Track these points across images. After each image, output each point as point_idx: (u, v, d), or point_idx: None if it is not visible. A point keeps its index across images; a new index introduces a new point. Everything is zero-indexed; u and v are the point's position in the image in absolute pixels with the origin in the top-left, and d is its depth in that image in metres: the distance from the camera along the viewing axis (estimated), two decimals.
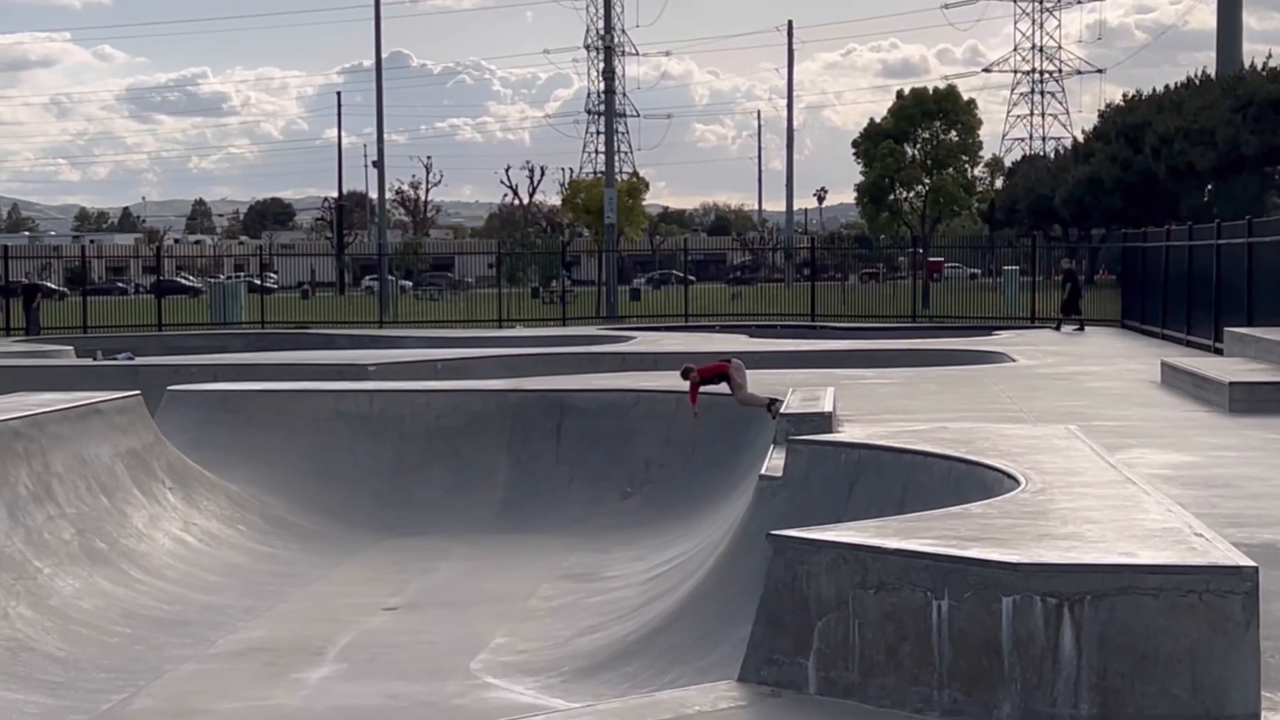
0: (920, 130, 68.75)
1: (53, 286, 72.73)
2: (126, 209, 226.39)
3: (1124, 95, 75.67)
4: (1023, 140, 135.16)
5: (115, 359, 30.63)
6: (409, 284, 78.48)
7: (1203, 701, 5.63)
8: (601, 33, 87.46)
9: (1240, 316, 25.68)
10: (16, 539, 12.76)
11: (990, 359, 26.71)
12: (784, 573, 6.54)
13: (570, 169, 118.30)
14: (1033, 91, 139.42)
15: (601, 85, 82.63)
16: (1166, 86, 69.69)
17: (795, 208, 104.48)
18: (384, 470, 18.51)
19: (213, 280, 65.54)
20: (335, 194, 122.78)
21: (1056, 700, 5.71)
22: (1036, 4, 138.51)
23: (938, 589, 5.99)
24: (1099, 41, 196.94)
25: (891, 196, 68.91)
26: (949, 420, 14.71)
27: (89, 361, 30.44)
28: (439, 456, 18.72)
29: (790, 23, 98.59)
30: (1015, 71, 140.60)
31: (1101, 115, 77.99)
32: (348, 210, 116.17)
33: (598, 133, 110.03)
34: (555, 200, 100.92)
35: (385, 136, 63.79)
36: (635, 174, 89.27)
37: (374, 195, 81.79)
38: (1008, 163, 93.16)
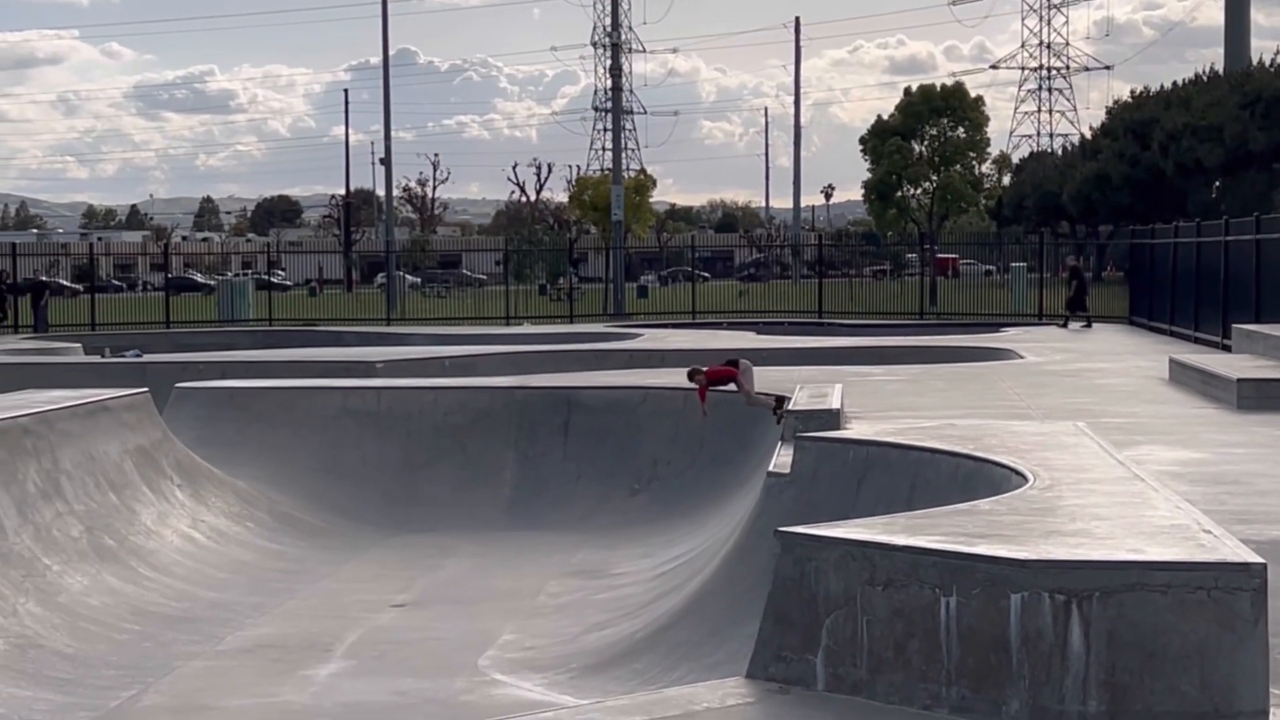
0: (928, 127, 68.53)
1: (64, 283, 72.72)
2: (134, 206, 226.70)
3: (1132, 92, 75.63)
4: (1030, 137, 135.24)
5: (123, 356, 30.66)
6: (419, 280, 78.53)
7: (1211, 698, 5.63)
8: (609, 29, 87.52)
9: (1248, 313, 25.65)
10: (25, 536, 12.78)
11: (998, 356, 26.70)
12: (792, 569, 6.54)
13: (577, 166, 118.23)
14: (1040, 88, 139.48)
15: (608, 82, 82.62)
16: (1174, 83, 69.66)
17: (802, 204, 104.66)
18: (391, 467, 18.52)
19: (220, 277, 65.59)
20: (343, 191, 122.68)
21: (1065, 697, 5.70)
22: (1044, 0, 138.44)
23: (946, 586, 5.98)
24: (1106, 38, 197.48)
25: (899, 193, 68.76)
26: (957, 417, 14.70)
27: (97, 359, 30.50)
28: (446, 453, 18.73)
29: (798, 19, 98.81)
30: (1023, 68, 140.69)
31: (1109, 112, 77.93)
32: (355, 207, 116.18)
33: (605, 129, 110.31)
34: (562, 197, 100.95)
35: (392, 133, 64.05)
36: (642, 171, 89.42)
37: (381, 192, 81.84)
38: (1015, 160, 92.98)
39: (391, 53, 63.73)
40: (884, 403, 17.35)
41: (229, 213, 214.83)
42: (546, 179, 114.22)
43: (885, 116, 71.35)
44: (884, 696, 6.09)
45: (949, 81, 73.76)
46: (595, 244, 74.99)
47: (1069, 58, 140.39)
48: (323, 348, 33.76)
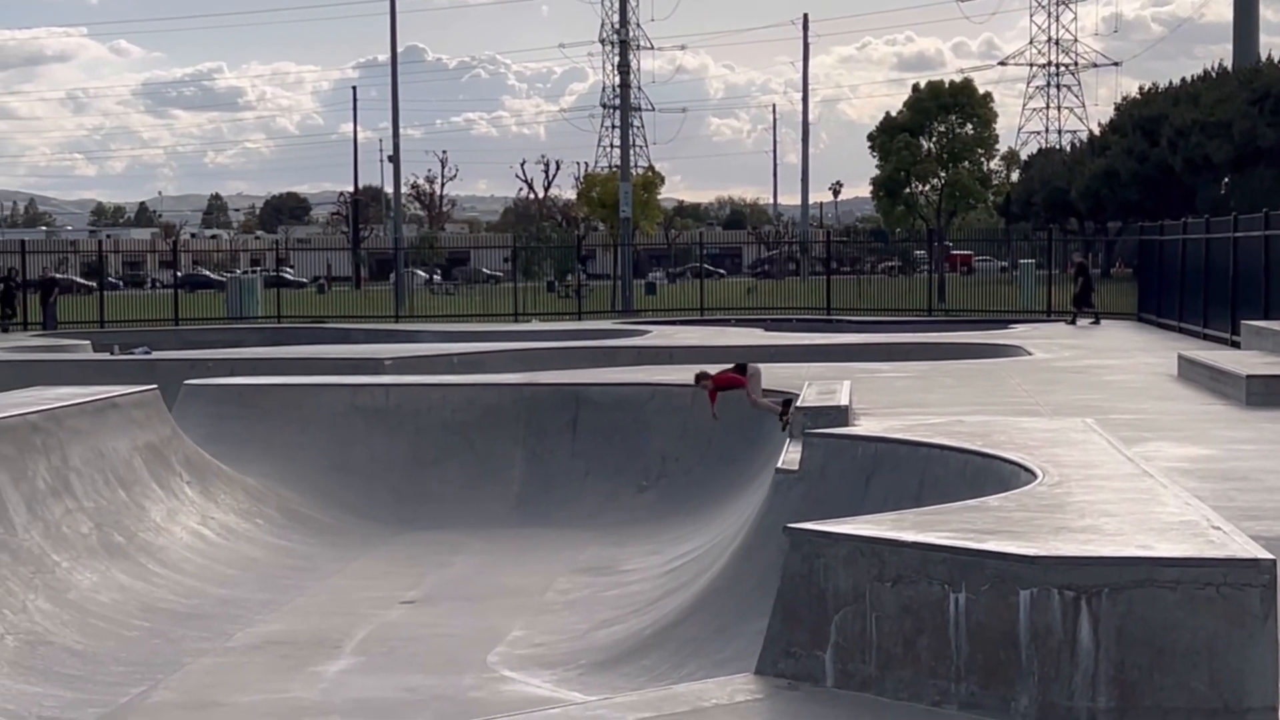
0: (936, 124, 68.52)
1: (77, 280, 72.70)
2: (143, 204, 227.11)
3: (1140, 88, 75.43)
4: (1039, 133, 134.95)
5: (132, 353, 30.70)
6: (429, 276, 78.55)
7: (1221, 694, 5.63)
8: (616, 27, 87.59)
9: (1257, 309, 25.61)
10: (35, 532, 12.81)
11: (1006, 352, 26.68)
12: (801, 566, 6.54)
13: (585, 163, 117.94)
14: (1048, 85, 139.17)
15: (616, 79, 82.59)
16: (1183, 79, 69.53)
17: (811, 201, 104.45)
18: (400, 464, 18.54)
19: (229, 274, 65.65)
20: (351, 188, 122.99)
21: (1074, 693, 5.70)
22: None
23: (955, 582, 5.99)
24: (1115, 34, 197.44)
25: (907, 190, 68.76)
26: (965, 413, 14.70)
27: (106, 356, 30.55)
28: (455, 450, 18.74)
29: (805, 16, 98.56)
30: (1031, 65, 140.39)
31: (1117, 108, 77.81)
32: (363, 205, 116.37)
33: (613, 127, 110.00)
34: (570, 194, 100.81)
35: (401, 131, 63.81)
36: (650, 168, 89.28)
37: (389, 190, 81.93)
38: (1024, 156, 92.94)
39: (400, 50, 63.74)
40: (892, 399, 17.34)
41: (237, 210, 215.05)
42: (555, 176, 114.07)
43: (894, 113, 71.35)
44: (893, 693, 6.09)
45: (957, 78, 73.77)
46: (603, 241, 74.98)
47: (1077, 54, 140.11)
48: (331, 345, 33.80)
